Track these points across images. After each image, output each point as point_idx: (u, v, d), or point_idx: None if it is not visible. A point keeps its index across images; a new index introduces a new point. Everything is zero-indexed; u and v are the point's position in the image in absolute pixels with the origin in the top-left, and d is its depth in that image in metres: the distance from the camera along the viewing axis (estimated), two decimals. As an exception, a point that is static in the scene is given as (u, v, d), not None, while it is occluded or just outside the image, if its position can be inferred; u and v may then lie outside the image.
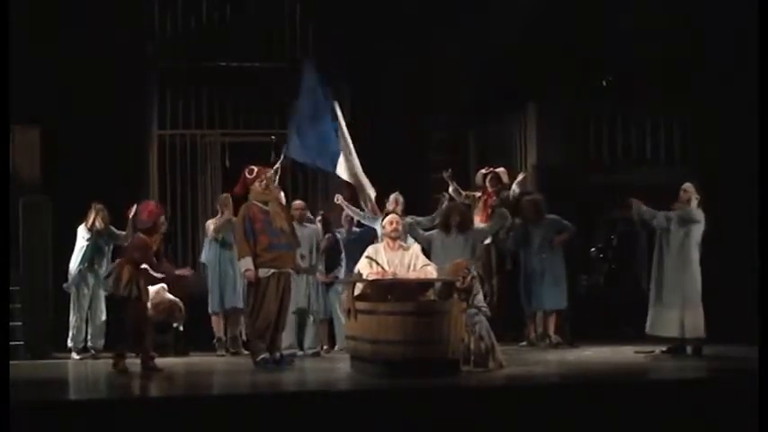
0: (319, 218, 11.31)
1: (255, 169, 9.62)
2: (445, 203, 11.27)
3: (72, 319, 10.92)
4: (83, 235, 10.96)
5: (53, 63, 12.54)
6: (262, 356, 9.26)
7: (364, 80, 13.62)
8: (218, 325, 11.17)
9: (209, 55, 13.70)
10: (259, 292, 9.29)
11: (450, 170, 11.94)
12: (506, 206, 11.50)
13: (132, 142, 13.31)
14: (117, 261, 9.59)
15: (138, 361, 9.38)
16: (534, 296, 11.28)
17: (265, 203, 9.45)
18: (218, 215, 11.27)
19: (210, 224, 11.27)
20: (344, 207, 11.25)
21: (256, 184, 9.51)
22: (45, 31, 12.55)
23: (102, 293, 10.94)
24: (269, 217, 9.37)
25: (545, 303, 11.28)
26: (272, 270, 9.27)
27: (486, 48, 13.76)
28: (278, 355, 9.37)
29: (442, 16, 13.88)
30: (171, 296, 11.09)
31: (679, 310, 10.04)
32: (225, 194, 11.40)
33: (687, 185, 10.26)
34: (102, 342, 10.96)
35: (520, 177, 11.91)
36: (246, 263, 9.28)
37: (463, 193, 11.83)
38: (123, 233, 10.81)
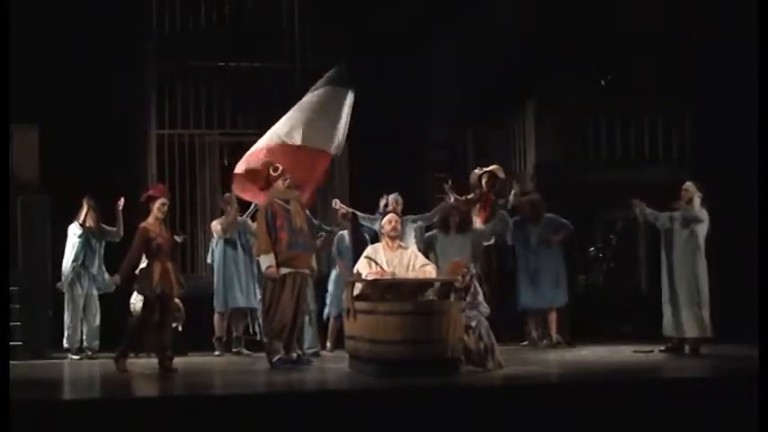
0: (349, 216, 11.21)
1: (280, 167, 9.60)
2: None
3: (67, 319, 10.91)
4: (74, 232, 10.97)
5: (52, 63, 12.53)
6: (278, 357, 9.26)
7: (364, 79, 13.60)
8: (219, 324, 11.18)
9: (208, 55, 13.70)
10: (275, 292, 9.28)
11: (450, 182, 11.88)
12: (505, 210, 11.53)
13: (131, 142, 13.32)
14: (145, 264, 9.42)
15: (137, 361, 9.39)
16: (529, 295, 11.28)
17: (287, 201, 9.44)
18: (224, 215, 11.26)
19: (217, 225, 11.26)
20: (342, 210, 11.23)
21: (279, 181, 9.49)
22: (44, 32, 12.54)
23: (96, 293, 10.97)
24: (290, 215, 9.35)
25: (539, 302, 11.27)
26: (289, 270, 9.27)
27: (486, 47, 13.77)
28: (294, 355, 9.38)
29: (442, 16, 13.88)
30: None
31: (693, 309, 10.02)
32: (228, 193, 11.40)
33: (688, 185, 10.23)
34: (96, 343, 10.96)
35: (515, 189, 11.84)
36: (269, 259, 9.23)
37: (461, 198, 11.80)
38: (113, 229, 10.86)
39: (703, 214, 10.12)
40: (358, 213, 11.08)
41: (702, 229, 10.11)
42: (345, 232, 11.07)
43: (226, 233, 11.12)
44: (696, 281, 10.05)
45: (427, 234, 10.62)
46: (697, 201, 10.15)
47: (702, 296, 10.04)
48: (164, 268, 9.22)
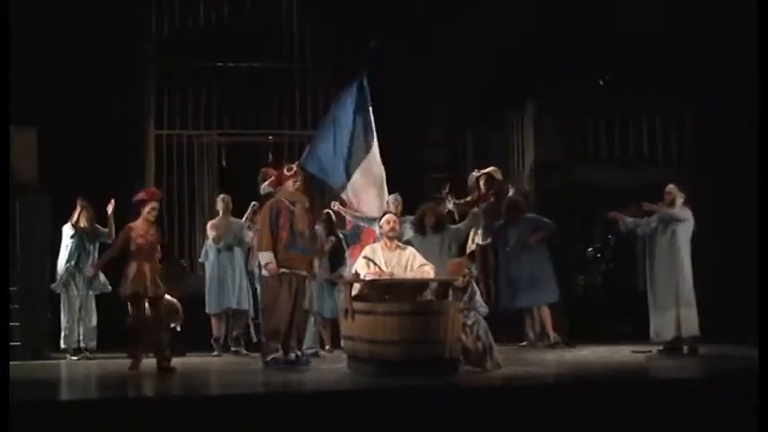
0: (324, 217, 11.24)
1: (294, 168, 9.72)
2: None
3: (63, 320, 10.92)
4: (68, 233, 10.99)
5: (51, 63, 12.53)
6: (272, 356, 9.28)
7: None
8: (217, 325, 11.19)
9: (207, 55, 13.72)
10: (272, 292, 9.31)
11: (448, 187, 11.86)
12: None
13: (130, 142, 13.32)
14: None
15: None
16: (507, 295, 11.26)
17: (293, 203, 9.49)
18: (218, 216, 11.28)
19: (211, 230, 11.25)
20: (341, 213, 11.24)
21: (290, 182, 9.57)
22: (43, 32, 12.54)
23: (92, 294, 10.97)
24: (293, 216, 9.40)
25: (520, 302, 11.24)
26: (285, 270, 9.29)
27: (486, 47, 13.75)
28: (293, 355, 9.38)
29: (442, 16, 13.87)
30: (169, 297, 11.07)
31: (674, 310, 10.04)
32: (223, 194, 11.46)
33: (670, 187, 10.29)
34: (93, 343, 10.96)
35: (511, 192, 11.85)
36: (269, 256, 9.28)
37: (460, 202, 11.78)
38: (106, 230, 10.88)
39: (685, 214, 10.15)
40: (356, 214, 11.05)
41: (685, 229, 10.14)
42: (320, 229, 11.06)
43: (218, 242, 11.13)
44: (682, 281, 10.06)
45: (405, 237, 10.59)
46: (679, 201, 10.20)
47: (687, 296, 10.06)
48: (140, 269, 9.34)
